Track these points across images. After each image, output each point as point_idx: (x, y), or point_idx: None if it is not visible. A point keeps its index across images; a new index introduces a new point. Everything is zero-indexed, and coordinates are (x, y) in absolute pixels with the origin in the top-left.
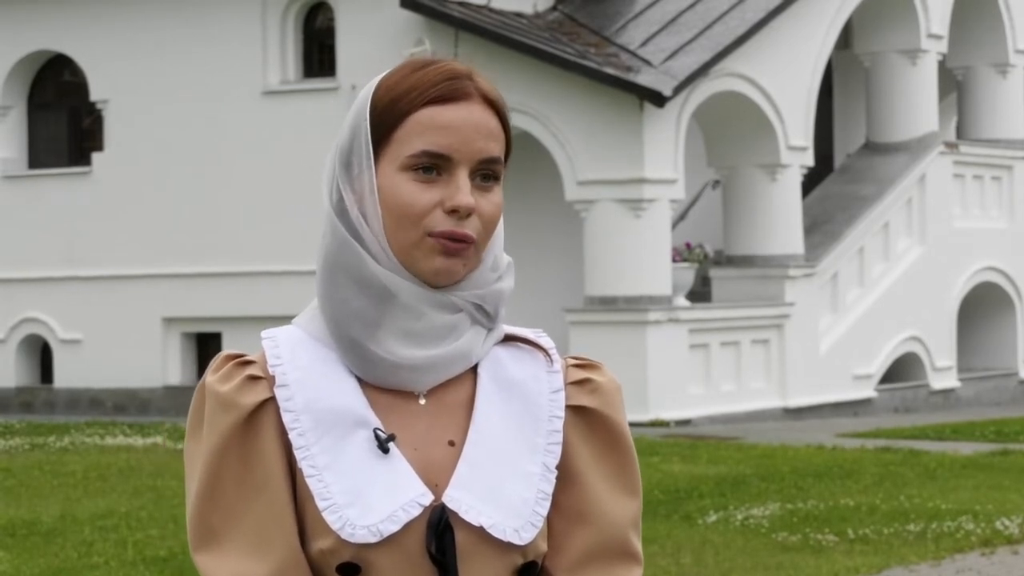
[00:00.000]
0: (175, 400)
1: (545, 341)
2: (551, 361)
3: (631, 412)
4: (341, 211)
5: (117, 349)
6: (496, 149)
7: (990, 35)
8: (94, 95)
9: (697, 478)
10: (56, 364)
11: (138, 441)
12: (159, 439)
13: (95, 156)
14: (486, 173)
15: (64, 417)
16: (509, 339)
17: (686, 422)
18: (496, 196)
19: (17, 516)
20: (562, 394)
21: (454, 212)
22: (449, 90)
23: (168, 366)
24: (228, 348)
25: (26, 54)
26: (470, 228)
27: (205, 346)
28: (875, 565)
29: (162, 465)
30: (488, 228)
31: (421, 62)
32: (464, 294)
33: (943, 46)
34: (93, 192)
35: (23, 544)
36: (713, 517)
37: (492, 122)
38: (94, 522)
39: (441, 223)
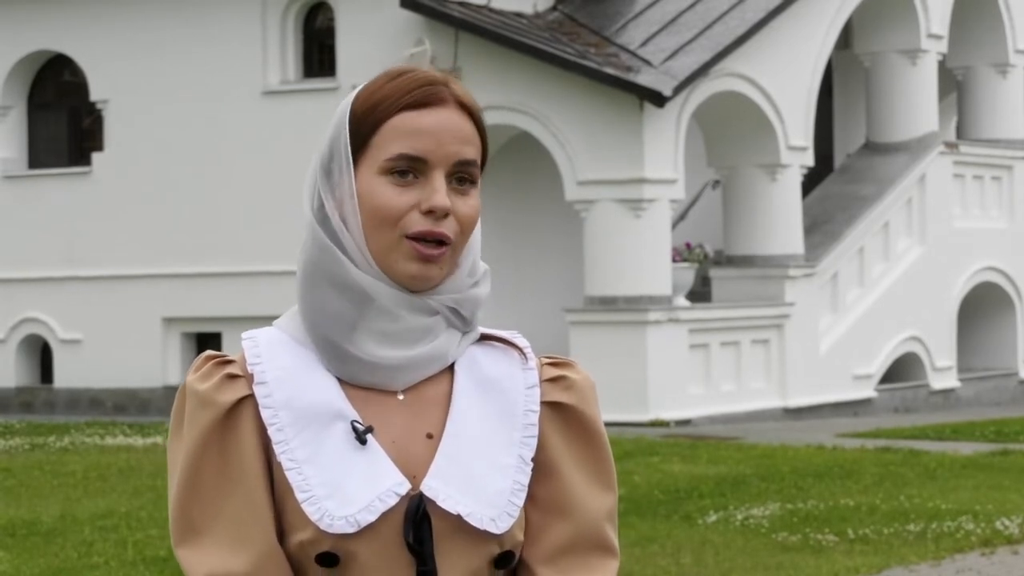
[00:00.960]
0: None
1: (520, 341)
2: (526, 359)
3: (631, 412)
4: (322, 218)
5: (117, 349)
6: (471, 152)
7: (990, 35)
8: (94, 95)
9: (697, 478)
10: (56, 364)
11: (138, 441)
12: (159, 439)
13: (95, 156)
14: (462, 176)
15: (64, 417)
16: (485, 339)
17: (686, 422)
18: (473, 199)
19: (17, 516)
20: (537, 390)
21: (430, 213)
22: (424, 95)
23: (168, 366)
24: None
25: (26, 54)
26: (446, 228)
27: (205, 346)
28: (875, 565)
29: (162, 465)
30: (465, 230)
31: (398, 71)
32: (441, 298)
33: (943, 46)
34: (93, 192)
35: (23, 544)
36: (713, 517)
37: (467, 127)
38: (94, 522)
39: (417, 224)
